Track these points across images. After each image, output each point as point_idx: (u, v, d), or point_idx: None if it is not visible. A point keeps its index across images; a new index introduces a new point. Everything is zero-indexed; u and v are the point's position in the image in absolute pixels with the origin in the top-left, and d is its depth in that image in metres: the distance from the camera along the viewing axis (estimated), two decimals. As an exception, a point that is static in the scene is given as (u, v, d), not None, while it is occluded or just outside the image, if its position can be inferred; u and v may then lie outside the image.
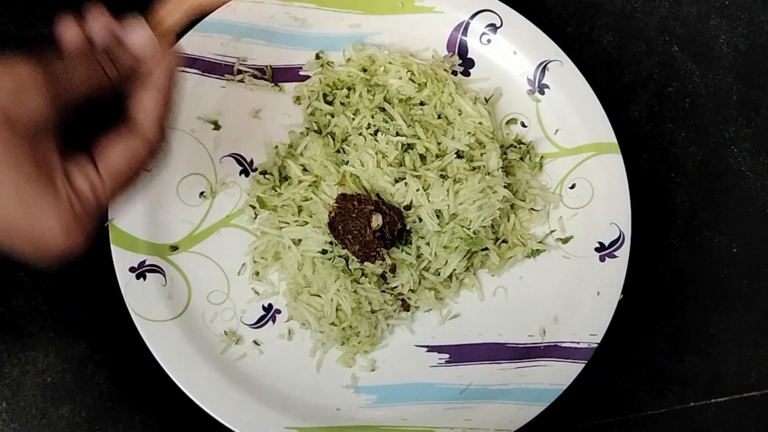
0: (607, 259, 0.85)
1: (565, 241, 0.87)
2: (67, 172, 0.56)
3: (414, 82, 0.88)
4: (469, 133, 0.86)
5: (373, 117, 0.85)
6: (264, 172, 0.85)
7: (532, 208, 0.87)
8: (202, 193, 0.84)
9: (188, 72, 0.86)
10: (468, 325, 0.84)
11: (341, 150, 0.85)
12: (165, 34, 0.64)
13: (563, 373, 0.81)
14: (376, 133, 0.84)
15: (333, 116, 0.86)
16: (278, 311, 0.83)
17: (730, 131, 0.96)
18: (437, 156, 0.85)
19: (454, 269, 0.83)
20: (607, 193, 0.87)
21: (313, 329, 0.81)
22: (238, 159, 0.86)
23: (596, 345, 0.82)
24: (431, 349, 0.83)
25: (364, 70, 0.88)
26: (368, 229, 0.80)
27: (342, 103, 0.87)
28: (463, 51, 0.91)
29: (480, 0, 0.90)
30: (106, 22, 0.62)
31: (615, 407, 0.87)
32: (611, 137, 0.88)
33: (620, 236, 0.85)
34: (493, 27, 0.90)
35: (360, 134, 0.84)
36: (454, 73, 0.91)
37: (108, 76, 0.59)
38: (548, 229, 0.87)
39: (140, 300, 0.79)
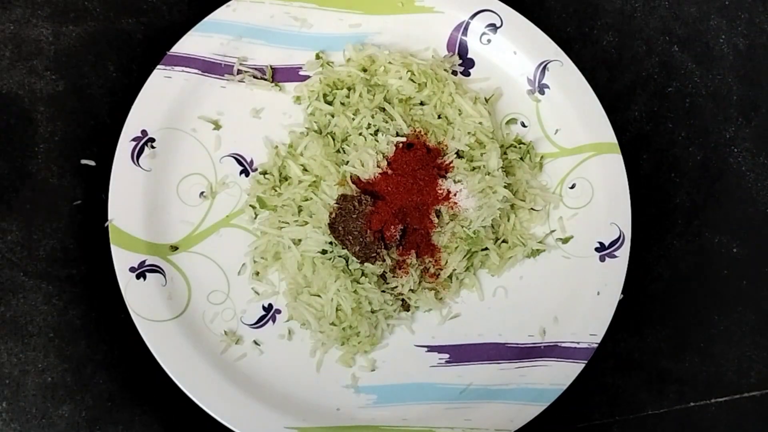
0: (607, 259, 0.85)
1: (565, 241, 0.87)
2: None
3: (414, 82, 0.88)
4: (469, 133, 0.86)
5: (373, 117, 0.85)
6: (264, 172, 0.85)
7: (532, 208, 0.87)
8: (202, 193, 0.84)
9: (188, 72, 0.86)
10: (468, 325, 0.84)
11: (341, 150, 0.85)
12: None
13: (563, 373, 0.81)
14: (376, 133, 0.84)
15: (333, 116, 0.86)
16: (278, 311, 0.83)
17: (730, 131, 0.96)
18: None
19: (454, 269, 0.83)
20: (607, 193, 0.87)
21: (313, 329, 0.81)
22: (238, 159, 0.86)
23: (596, 345, 0.82)
24: (431, 349, 0.83)
25: (364, 70, 0.88)
26: (369, 230, 0.80)
27: (342, 103, 0.87)
28: (463, 51, 0.91)
29: (480, 0, 0.90)
30: None
31: (615, 407, 0.87)
32: (611, 137, 0.88)
33: (620, 236, 0.85)
34: (493, 27, 0.90)
35: (360, 134, 0.84)
36: (454, 73, 0.91)
37: None
38: (548, 229, 0.87)
39: (140, 300, 0.79)
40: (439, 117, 0.88)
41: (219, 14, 0.87)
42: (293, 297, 0.82)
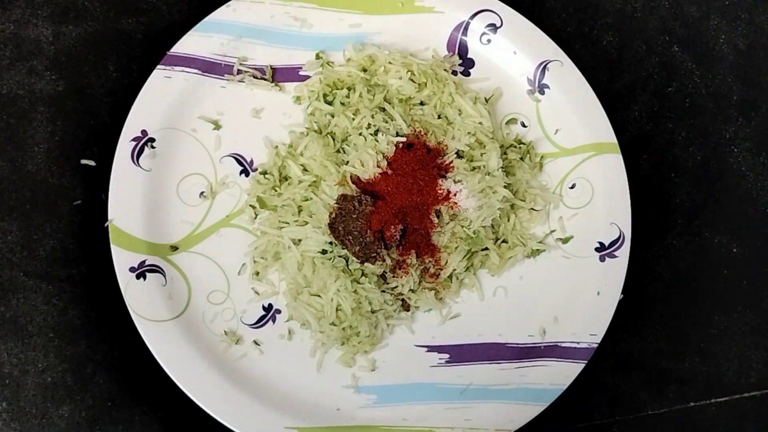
0: (607, 259, 0.85)
1: (565, 241, 0.87)
2: None
3: (414, 82, 0.88)
4: (469, 133, 0.86)
5: (373, 117, 0.85)
6: (264, 172, 0.85)
7: (532, 208, 0.87)
8: (202, 193, 0.84)
9: (188, 72, 0.86)
10: (468, 325, 0.84)
11: (341, 150, 0.85)
12: None
13: (563, 373, 0.81)
14: (376, 133, 0.84)
15: (333, 116, 0.86)
16: (278, 311, 0.83)
17: (730, 131, 0.96)
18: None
19: (454, 269, 0.83)
20: (607, 193, 0.87)
21: (313, 329, 0.81)
22: (238, 159, 0.86)
23: (596, 345, 0.82)
24: (431, 349, 0.83)
25: (364, 70, 0.88)
26: (369, 230, 0.80)
27: (342, 103, 0.87)
28: (463, 51, 0.91)
29: (480, 0, 0.90)
30: None
31: (615, 407, 0.87)
32: (611, 137, 0.88)
33: (620, 236, 0.85)
34: (493, 27, 0.90)
35: (360, 134, 0.84)
36: (454, 73, 0.91)
37: None
38: (548, 229, 0.87)
39: (140, 300, 0.79)
40: (439, 117, 0.88)
41: (219, 14, 0.87)
42: (293, 297, 0.82)
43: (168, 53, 0.85)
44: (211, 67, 0.87)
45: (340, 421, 0.79)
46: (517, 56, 0.90)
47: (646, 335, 0.89)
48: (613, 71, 0.96)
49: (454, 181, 0.83)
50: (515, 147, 0.89)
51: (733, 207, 0.94)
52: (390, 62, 0.88)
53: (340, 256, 0.81)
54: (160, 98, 0.84)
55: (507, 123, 0.90)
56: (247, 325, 0.82)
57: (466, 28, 0.91)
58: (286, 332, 0.82)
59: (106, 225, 0.80)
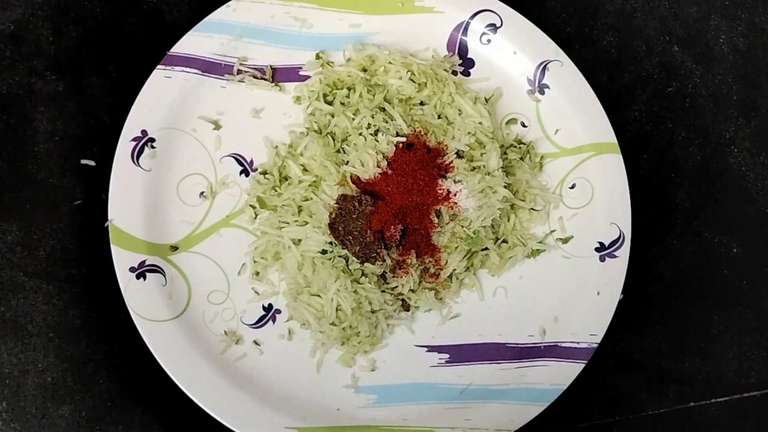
0: (607, 259, 0.85)
1: (565, 241, 0.87)
2: None
3: (414, 82, 0.88)
4: (469, 133, 0.86)
5: (373, 117, 0.85)
6: (264, 172, 0.85)
7: (532, 208, 0.87)
8: (202, 193, 0.84)
9: (188, 72, 0.86)
10: (468, 325, 0.84)
11: (341, 150, 0.85)
12: None
13: (563, 373, 0.81)
14: (376, 133, 0.84)
15: (333, 116, 0.86)
16: (278, 311, 0.83)
17: (730, 131, 0.96)
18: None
19: (454, 269, 0.83)
20: (607, 193, 0.87)
21: (313, 329, 0.81)
22: (238, 159, 0.86)
23: (596, 345, 0.82)
24: (431, 349, 0.83)
25: (364, 70, 0.88)
26: (369, 230, 0.80)
27: (342, 103, 0.87)
28: (463, 51, 0.91)
29: (480, 0, 0.90)
30: None
31: (615, 407, 0.87)
32: (611, 137, 0.88)
33: (620, 236, 0.85)
34: (493, 27, 0.90)
35: (360, 134, 0.84)
36: (454, 73, 0.91)
37: None
38: (548, 229, 0.87)
39: (140, 300, 0.79)
40: (439, 117, 0.88)
41: (219, 14, 0.87)
42: (293, 297, 0.82)
43: (168, 53, 0.85)
44: (211, 67, 0.87)
45: (340, 421, 0.79)
46: (517, 56, 0.90)
47: (646, 335, 0.89)
48: (613, 71, 0.96)
49: (454, 181, 0.83)
50: (515, 147, 0.89)
51: (733, 207, 0.94)
52: (390, 62, 0.88)
53: (340, 256, 0.81)
54: (160, 98, 0.84)
55: (507, 123, 0.90)
56: (247, 325, 0.82)
57: (466, 28, 0.91)
58: (286, 332, 0.82)
59: (106, 225, 0.80)
